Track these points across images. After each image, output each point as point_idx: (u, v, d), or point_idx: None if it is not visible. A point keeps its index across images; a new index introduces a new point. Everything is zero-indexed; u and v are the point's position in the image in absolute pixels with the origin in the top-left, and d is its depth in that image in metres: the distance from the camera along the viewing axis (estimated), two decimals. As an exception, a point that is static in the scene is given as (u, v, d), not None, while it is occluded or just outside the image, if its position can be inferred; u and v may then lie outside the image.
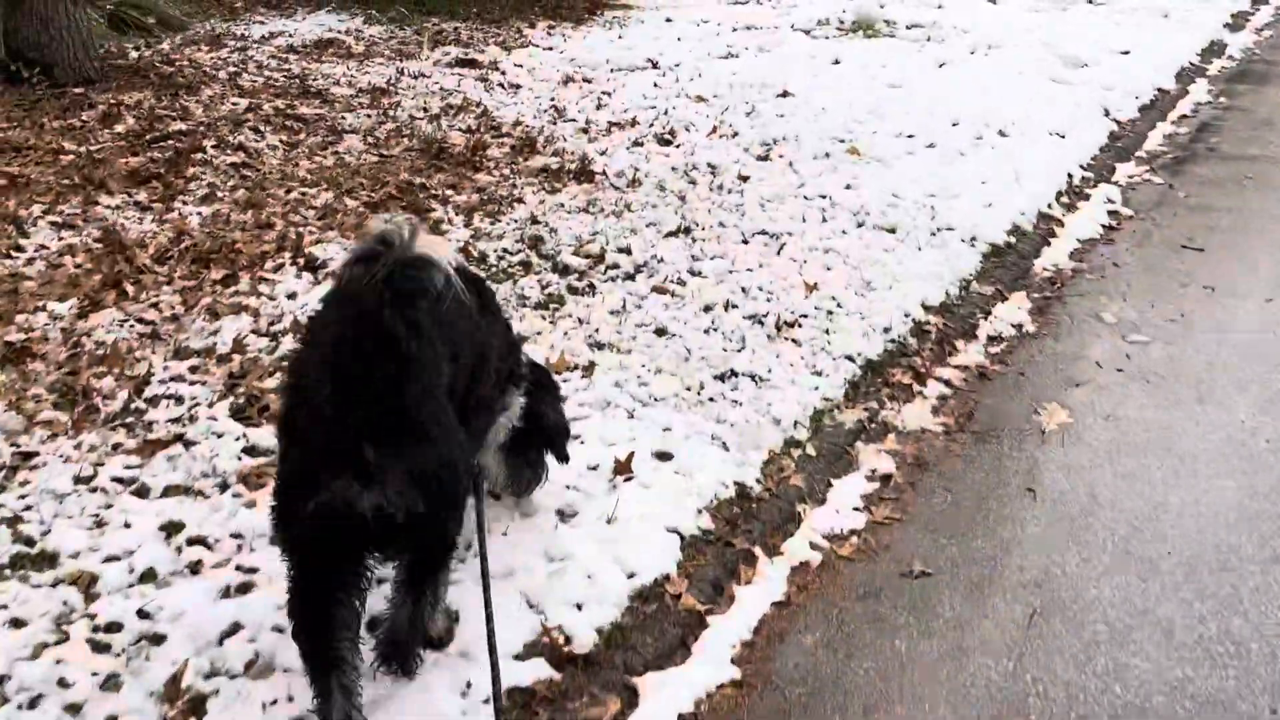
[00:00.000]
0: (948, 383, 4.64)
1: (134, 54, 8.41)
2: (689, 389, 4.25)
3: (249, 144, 6.53)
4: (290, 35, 9.96)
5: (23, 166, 5.84)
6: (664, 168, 6.64)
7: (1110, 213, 6.65)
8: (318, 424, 2.22)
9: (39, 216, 5.29)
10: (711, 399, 4.20)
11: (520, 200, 6.03)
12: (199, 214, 5.50)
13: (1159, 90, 9.36)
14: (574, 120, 7.61)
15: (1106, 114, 8.44)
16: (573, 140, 7.15)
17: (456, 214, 5.76)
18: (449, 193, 6.07)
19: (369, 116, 7.34)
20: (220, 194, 5.80)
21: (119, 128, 6.53)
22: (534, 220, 5.73)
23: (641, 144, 7.08)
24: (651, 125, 7.48)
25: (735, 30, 11.13)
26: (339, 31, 10.24)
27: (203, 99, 7.22)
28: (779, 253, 5.49)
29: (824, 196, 6.22)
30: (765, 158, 6.91)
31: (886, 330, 4.84)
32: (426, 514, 2.29)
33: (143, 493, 3.43)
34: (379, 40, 10.09)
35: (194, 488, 3.47)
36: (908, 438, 4.24)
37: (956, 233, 5.87)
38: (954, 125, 7.60)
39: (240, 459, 3.61)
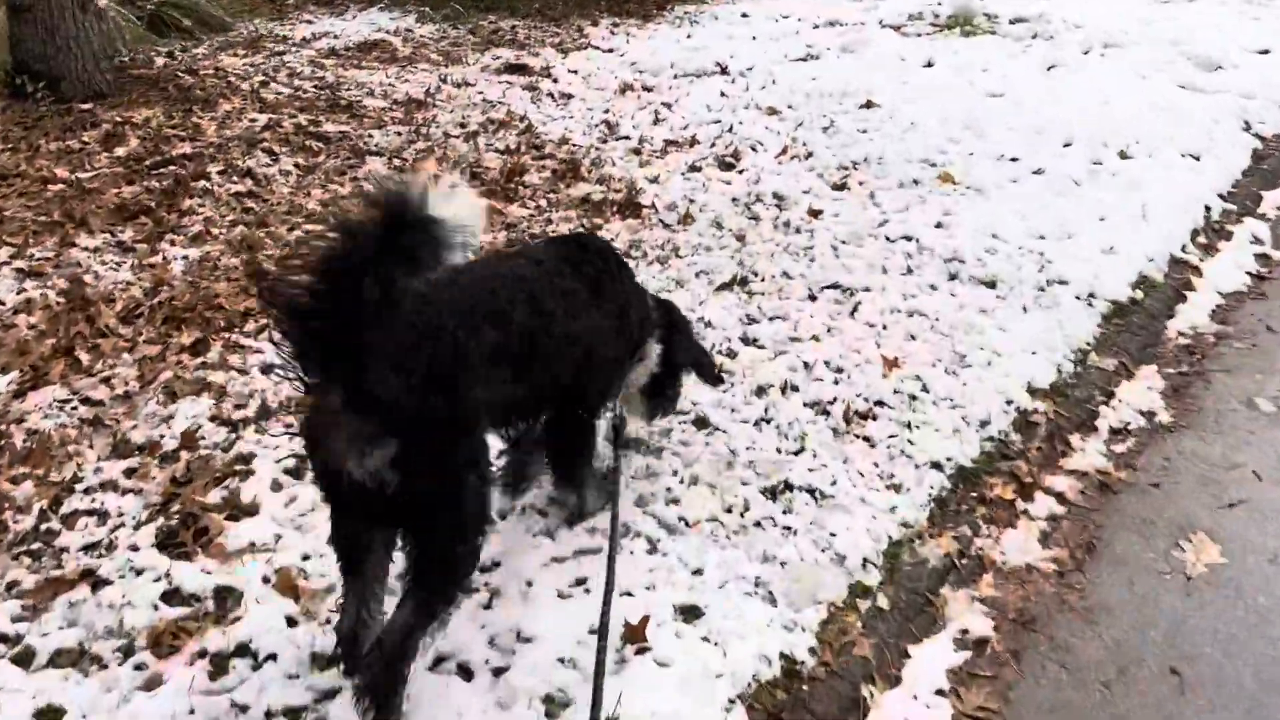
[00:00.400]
0: (1060, 497, 3.69)
1: (160, 61, 7.83)
2: (729, 510, 3.39)
3: (259, 169, 5.85)
4: (335, 36, 9.32)
5: (3, 199, 5.25)
6: (723, 199, 5.76)
7: (1259, 256, 5.55)
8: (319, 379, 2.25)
9: (5, 262, 4.68)
10: (758, 524, 3.34)
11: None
12: (185, 258, 4.83)
13: (1308, 97, 8.08)
14: (626, 138, 6.77)
15: (1247, 128, 7.26)
16: (622, 163, 6.31)
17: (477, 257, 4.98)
18: (473, 230, 5.28)
19: (399, 134, 6.61)
20: (215, 231, 5.12)
21: (120, 150, 5.91)
22: (565, 268, 4.92)
23: (699, 168, 6.21)
24: (713, 145, 6.60)
25: (816, 27, 10.13)
26: (388, 32, 9.56)
27: (219, 115, 6.58)
28: (853, 314, 4.58)
29: (910, 238, 5.27)
30: (842, 186, 5.97)
31: (984, 424, 3.91)
32: (408, 496, 2.31)
33: (25, 659, 2.73)
34: (428, 41, 9.38)
35: (90, 652, 2.75)
36: (1009, 579, 3.33)
37: (1070, 287, 4.87)
38: (1066, 145, 6.53)
39: (156, 608, 2.89)
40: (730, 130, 6.86)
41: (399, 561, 2.56)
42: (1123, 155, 6.46)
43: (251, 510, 3.25)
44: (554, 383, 2.85)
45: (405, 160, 6.22)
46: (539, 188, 5.93)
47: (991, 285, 4.87)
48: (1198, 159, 6.52)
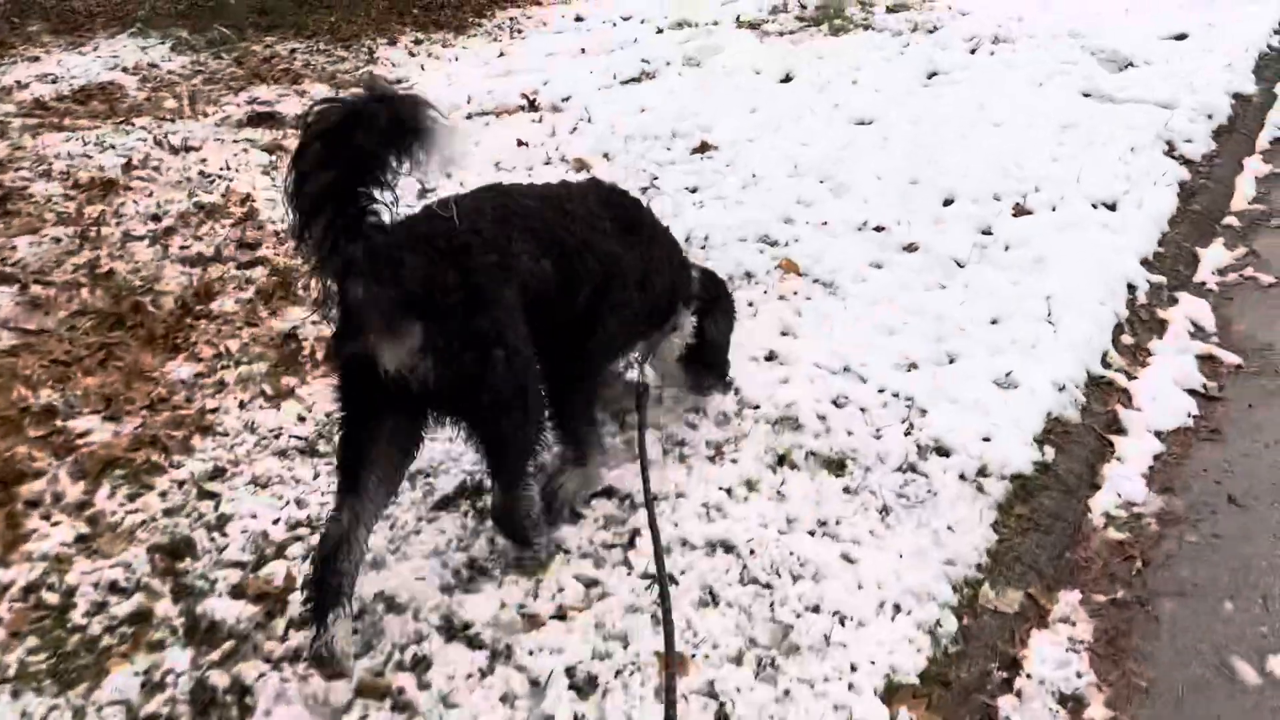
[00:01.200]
0: None
1: None
2: None
3: None
4: (56, 80, 7.42)
5: None
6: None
7: (1202, 360, 4.11)
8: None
9: None
10: None
11: (204, 430, 3.56)
12: None
13: (1235, 97, 6.69)
14: (376, 223, 5.08)
15: (1170, 151, 5.84)
16: (358, 268, 4.63)
17: (74, 479, 3.29)
18: (92, 417, 3.59)
19: (57, 241, 4.84)
20: None
21: None
22: (203, 491, 3.26)
23: (458, 274, 4.56)
24: (485, 231, 4.95)
25: (660, 31, 8.51)
26: (127, 69, 7.69)
27: None
28: (627, 553, 3.00)
29: (727, 384, 3.71)
30: (647, 292, 4.38)
31: (811, 794, 2.38)
32: (449, 386, 2.40)
33: None
34: (176, 79, 7.54)
35: None
36: None
37: (952, 461, 3.36)
38: (947, 203, 5.03)
39: None
40: (515, 203, 5.21)
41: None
42: (1018, 211, 4.98)
43: None
44: (576, 282, 2.81)
45: (52, 285, 4.46)
46: (230, 319, 4.24)
47: (839, 468, 3.34)
48: (1113, 208, 5.07)
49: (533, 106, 6.68)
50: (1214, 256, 4.89)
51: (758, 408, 3.58)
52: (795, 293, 4.29)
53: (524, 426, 2.60)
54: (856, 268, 4.44)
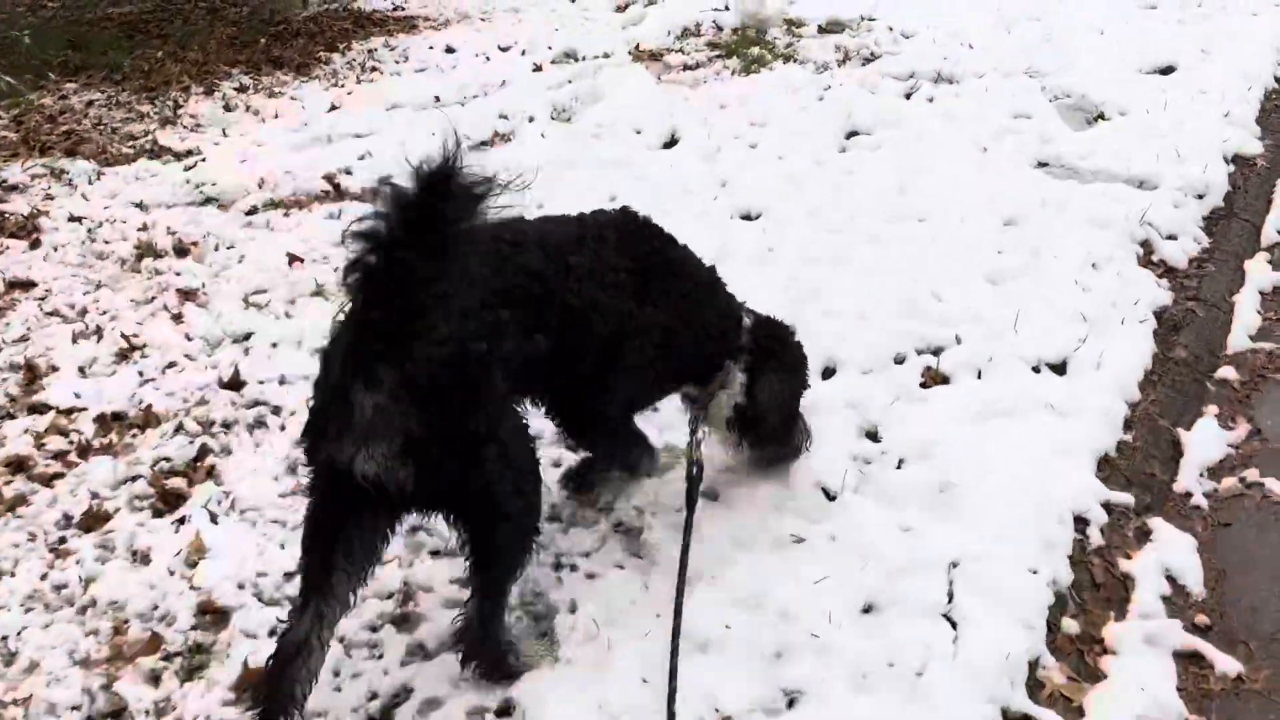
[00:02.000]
0: None
1: None
2: None
3: None
4: None
5: None
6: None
7: (1183, 659, 2.72)
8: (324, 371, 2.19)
9: None
10: None
11: None
12: None
13: (1235, 161, 5.25)
14: (44, 410, 3.67)
15: (1147, 255, 4.43)
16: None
17: None
18: None
19: None
20: None
21: None
22: None
23: (107, 521, 3.16)
24: (188, 439, 3.53)
25: (538, 69, 7.04)
26: None
27: None
28: None
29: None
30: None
31: None
32: (433, 489, 2.22)
33: None
34: (-75, 152, 6.10)
35: None
36: None
37: None
38: (826, 375, 3.61)
39: None
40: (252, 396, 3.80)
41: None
42: (928, 379, 3.58)
43: None
44: (577, 349, 2.55)
45: None
46: None
47: None
48: (1062, 370, 3.65)
49: (337, 193, 5.24)
50: (1203, 444, 3.46)
51: None
52: (574, 566, 2.87)
53: (519, 519, 2.37)
54: (673, 509, 3.02)
